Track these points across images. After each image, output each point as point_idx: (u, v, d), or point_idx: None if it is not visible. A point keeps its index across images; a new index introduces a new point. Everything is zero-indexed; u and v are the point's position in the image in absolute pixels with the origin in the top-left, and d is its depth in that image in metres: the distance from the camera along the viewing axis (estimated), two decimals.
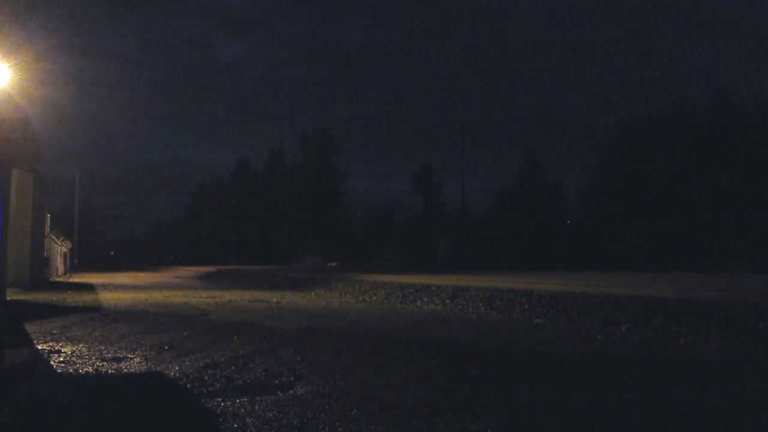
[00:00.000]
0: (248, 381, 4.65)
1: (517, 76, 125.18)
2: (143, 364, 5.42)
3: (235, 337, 7.08)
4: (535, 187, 62.71)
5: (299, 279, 20.67)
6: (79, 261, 53.24)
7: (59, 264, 37.03)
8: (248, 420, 3.55)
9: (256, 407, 3.84)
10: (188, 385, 4.50)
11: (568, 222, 59.48)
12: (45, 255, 26.87)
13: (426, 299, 12.10)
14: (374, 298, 13.60)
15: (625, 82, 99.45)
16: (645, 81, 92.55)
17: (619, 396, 4.17)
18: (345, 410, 3.77)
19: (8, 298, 13.09)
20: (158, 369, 5.17)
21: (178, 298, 14.68)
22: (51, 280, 28.05)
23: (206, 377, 4.77)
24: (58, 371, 5.07)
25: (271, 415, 3.66)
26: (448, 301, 11.49)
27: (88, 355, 5.85)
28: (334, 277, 18.83)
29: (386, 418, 3.60)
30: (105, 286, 21.34)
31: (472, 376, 4.85)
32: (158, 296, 15.28)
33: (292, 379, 4.71)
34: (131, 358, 5.67)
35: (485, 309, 10.26)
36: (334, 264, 51.78)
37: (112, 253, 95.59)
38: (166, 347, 6.31)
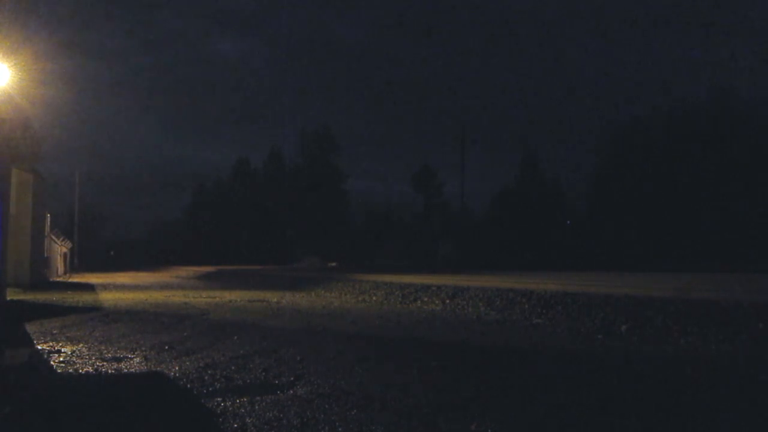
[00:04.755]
0: (248, 381, 4.65)
1: (517, 75, 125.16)
2: (143, 364, 5.41)
3: (235, 337, 7.08)
4: (535, 187, 62.71)
5: (299, 279, 20.67)
6: (79, 261, 53.24)
7: (59, 264, 37.03)
8: (248, 420, 3.55)
9: (256, 407, 3.83)
10: (188, 385, 4.50)
11: (568, 222, 59.47)
12: (45, 255, 26.87)
13: (426, 299, 12.10)
14: (374, 298, 13.60)
15: (625, 82, 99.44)
16: (645, 81, 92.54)
17: (619, 395, 4.17)
18: (345, 410, 3.77)
19: (8, 298, 13.09)
20: (158, 369, 5.17)
21: (178, 298, 14.67)
22: (51, 280, 28.05)
23: (206, 377, 4.77)
24: (58, 371, 5.07)
25: (271, 415, 3.66)
26: (448, 301, 11.48)
27: (88, 355, 5.85)
28: (334, 278, 18.83)
29: (386, 418, 3.60)
30: (105, 286, 21.35)
31: (472, 376, 4.85)
32: (158, 296, 15.28)
33: (292, 379, 4.71)
34: (131, 358, 5.67)
35: (485, 309, 10.26)
36: (334, 264, 51.79)
37: (112, 253, 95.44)
38: (166, 347, 6.31)
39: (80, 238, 54.53)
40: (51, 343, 6.63)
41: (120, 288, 20.29)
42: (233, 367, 5.17)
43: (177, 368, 5.16)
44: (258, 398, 4.07)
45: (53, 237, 31.42)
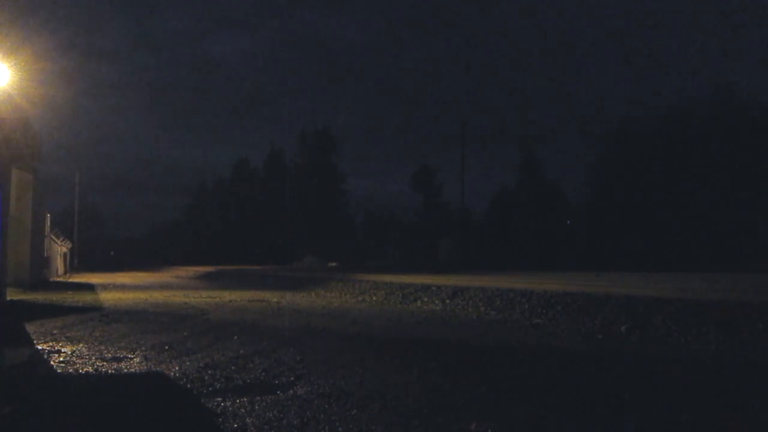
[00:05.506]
0: (248, 381, 4.65)
1: (517, 75, 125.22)
2: (143, 364, 5.42)
3: (235, 337, 7.08)
4: (535, 187, 62.74)
5: (299, 279, 20.67)
6: (79, 261, 53.25)
7: (59, 264, 37.03)
8: (248, 420, 3.55)
9: (256, 407, 3.84)
10: (188, 385, 4.50)
11: (568, 222, 59.48)
12: (45, 255, 26.87)
13: (426, 299, 12.10)
14: (374, 298, 13.60)
15: (625, 81, 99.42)
16: (645, 81, 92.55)
17: (618, 396, 4.17)
18: (345, 410, 3.77)
19: (8, 298, 13.09)
20: (158, 369, 5.17)
21: (178, 298, 14.68)
22: (51, 280, 28.05)
23: (206, 377, 4.77)
24: (58, 371, 5.07)
25: (271, 415, 3.66)
26: (448, 301, 11.49)
27: (88, 355, 5.86)
28: (334, 277, 18.83)
29: (386, 418, 3.60)
30: (105, 286, 21.35)
31: (472, 376, 4.85)
32: (158, 296, 15.28)
33: (292, 379, 4.71)
34: (131, 358, 5.67)
35: (485, 309, 10.26)
36: (334, 264, 51.78)
37: (112, 253, 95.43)
38: (166, 347, 6.31)
39: (80, 238, 54.53)
40: (51, 343, 6.63)
41: (120, 288, 20.29)
42: (233, 367, 5.17)
43: (177, 368, 5.16)
44: (258, 398, 4.07)
45: (53, 237, 31.42)
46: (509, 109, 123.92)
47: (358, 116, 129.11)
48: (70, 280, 30.46)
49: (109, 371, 5.07)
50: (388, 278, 16.63)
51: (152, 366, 5.31)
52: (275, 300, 13.61)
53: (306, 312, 10.68)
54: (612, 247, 44.68)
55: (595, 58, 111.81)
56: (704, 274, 18.57)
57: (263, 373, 4.92)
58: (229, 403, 3.93)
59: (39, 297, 14.65)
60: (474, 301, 10.85)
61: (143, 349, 6.24)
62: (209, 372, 4.97)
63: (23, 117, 13.48)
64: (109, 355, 5.87)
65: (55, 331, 7.69)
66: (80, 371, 5.05)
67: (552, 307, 9.10)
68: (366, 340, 7.08)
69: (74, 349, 6.23)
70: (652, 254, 39.51)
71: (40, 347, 6.39)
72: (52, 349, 6.25)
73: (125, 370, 5.12)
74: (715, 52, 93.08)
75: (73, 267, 46.79)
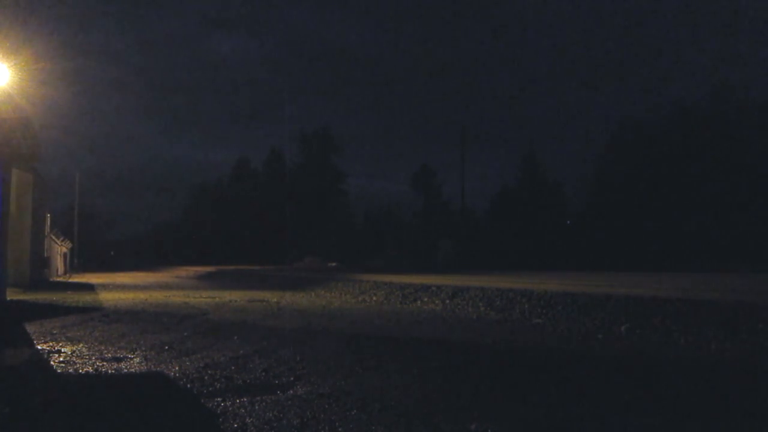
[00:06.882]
0: (248, 381, 4.65)
1: (517, 75, 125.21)
2: (143, 364, 5.42)
3: (235, 337, 7.08)
4: (535, 187, 62.76)
5: (299, 279, 20.66)
6: (79, 261, 53.23)
7: (59, 264, 37.02)
8: (248, 420, 3.55)
9: (256, 407, 3.84)
10: (188, 385, 4.50)
11: (569, 222, 59.48)
12: (45, 255, 26.87)
13: (426, 299, 12.10)
14: (374, 298, 13.60)
15: (626, 81, 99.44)
16: (645, 80, 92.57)
17: (618, 396, 4.17)
18: (345, 410, 3.77)
19: (8, 298, 13.09)
20: (158, 369, 5.17)
21: (178, 298, 14.67)
22: (51, 280, 28.04)
23: (206, 377, 4.77)
24: (58, 371, 5.07)
25: (271, 415, 3.66)
26: (448, 301, 11.49)
27: (88, 355, 5.85)
28: (334, 278, 18.83)
29: (386, 418, 3.60)
30: (105, 286, 21.34)
31: (472, 376, 4.85)
32: (158, 296, 15.28)
33: (292, 379, 4.71)
34: (131, 358, 5.67)
35: (485, 309, 10.26)
36: (334, 264, 51.78)
37: (112, 253, 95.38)
38: (166, 347, 6.31)
39: (80, 238, 54.54)
40: (51, 343, 6.63)
41: (120, 288, 20.29)
42: (233, 367, 5.17)
43: (177, 368, 5.16)
44: (258, 398, 4.07)
45: (53, 237, 31.42)
46: (510, 109, 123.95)
47: (358, 116, 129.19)
48: (70, 280, 30.45)
49: (109, 371, 5.07)
50: (388, 278, 16.62)
51: (152, 366, 5.31)
52: (275, 300, 13.61)
53: (306, 312, 10.68)
54: (612, 247, 44.69)
55: (596, 58, 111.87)
56: (705, 274, 18.57)
57: (263, 373, 4.92)
58: (229, 403, 3.93)
59: (39, 297, 14.64)
60: (474, 301, 10.85)
61: (143, 349, 6.24)
62: (209, 372, 4.97)
63: (23, 117, 13.49)
64: (109, 355, 5.87)
65: (55, 331, 7.69)
66: (80, 371, 5.05)
67: (552, 307, 9.10)
68: (366, 340, 7.08)
69: (74, 349, 6.23)
70: (652, 254, 39.53)
71: (40, 347, 6.38)
72: (52, 349, 6.25)
73: (125, 370, 5.12)
74: (716, 52, 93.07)
75: (73, 267, 46.78)
